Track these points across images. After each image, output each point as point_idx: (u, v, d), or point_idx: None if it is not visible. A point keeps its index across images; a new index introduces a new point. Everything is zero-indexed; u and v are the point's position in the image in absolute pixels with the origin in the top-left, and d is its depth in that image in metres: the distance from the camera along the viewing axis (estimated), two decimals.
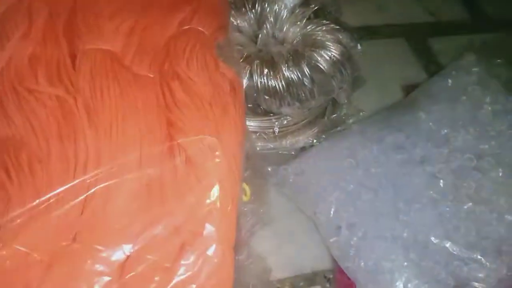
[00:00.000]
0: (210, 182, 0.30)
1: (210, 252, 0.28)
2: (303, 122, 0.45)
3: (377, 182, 0.39)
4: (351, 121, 0.44)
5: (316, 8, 0.45)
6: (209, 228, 0.29)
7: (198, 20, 0.37)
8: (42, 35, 0.34)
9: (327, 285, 0.41)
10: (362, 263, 0.37)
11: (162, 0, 0.39)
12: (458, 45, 0.56)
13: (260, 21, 0.46)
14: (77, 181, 0.28)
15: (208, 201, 0.29)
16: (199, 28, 0.37)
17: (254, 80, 0.41)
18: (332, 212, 0.39)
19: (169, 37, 0.36)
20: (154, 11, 0.38)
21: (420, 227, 0.36)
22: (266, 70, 0.42)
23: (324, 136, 0.44)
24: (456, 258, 0.35)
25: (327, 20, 0.44)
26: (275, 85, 0.42)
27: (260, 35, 0.45)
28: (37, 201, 0.27)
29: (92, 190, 0.28)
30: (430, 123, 0.40)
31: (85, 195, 0.28)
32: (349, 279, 0.40)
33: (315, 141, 0.44)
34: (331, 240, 0.39)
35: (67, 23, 0.35)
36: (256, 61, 0.42)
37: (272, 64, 0.42)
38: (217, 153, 0.30)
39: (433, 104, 0.41)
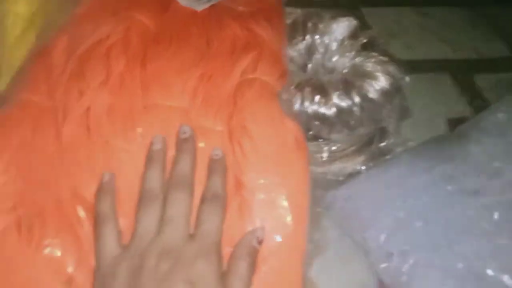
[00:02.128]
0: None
1: None
2: (351, 148, 0.45)
3: (427, 212, 0.39)
4: (398, 150, 0.45)
5: (365, 41, 0.47)
6: None
7: (262, 70, 0.39)
8: (119, 85, 0.36)
9: None
10: None
11: (222, 48, 0.41)
12: (501, 81, 0.57)
13: (310, 51, 0.48)
14: None
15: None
16: (264, 78, 0.38)
17: (305, 107, 0.43)
18: (382, 238, 0.39)
19: (233, 87, 0.38)
20: (215, 61, 0.40)
21: (474, 259, 0.36)
22: (317, 97, 0.43)
23: (371, 164, 0.44)
24: None
25: (375, 52, 0.46)
26: (326, 112, 0.43)
27: (310, 64, 0.47)
28: None
29: None
30: (482, 156, 0.40)
31: None
32: None
33: (363, 168, 0.44)
34: (382, 265, 0.38)
35: (140, 74, 0.37)
36: (308, 88, 0.43)
37: (323, 91, 0.43)
38: (287, 215, 0.32)
39: (484, 137, 0.41)
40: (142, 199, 0.31)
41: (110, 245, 0.30)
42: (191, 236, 0.30)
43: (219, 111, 0.36)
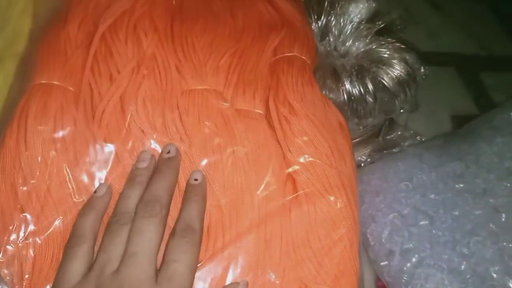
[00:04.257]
0: (340, 239, 0.29)
1: None
2: (358, 139, 0.44)
3: (434, 209, 0.38)
4: (407, 143, 0.43)
5: (382, 25, 0.44)
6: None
7: (299, 48, 0.36)
8: (153, 70, 0.32)
9: None
10: None
11: (249, 25, 0.38)
12: (508, 81, 0.56)
13: (324, 33, 0.45)
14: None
15: (339, 262, 0.29)
16: (302, 57, 0.36)
17: None
18: (385, 235, 0.38)
19: (267, 65, 0.35)
20: (245, 37, 0.37)
21: (479, 260, 0.35)
22: (328, 82, 0.41)
23: (377, 156, 0.43)
24: None
25: (392, 39, 0.44)
26: (336, 98, 0.41)
27: (322, 47, 0.45)
28: None
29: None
30: (492, 155, 0.39)
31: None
32: None
33: (368, 159, 0.43)
34: (382, 263, 0.37)
35: (173, 55, 0.33)
36: (319, 72, 0.41)
37: (334, 76, 0.41)
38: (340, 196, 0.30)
39: (496, 136, 0.40)
40: (111, 223, 0.27)
41: (76, 270, 0.25)
42: (157, 277, 0.25)
43: (258, 90, 0.33)
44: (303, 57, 0.36)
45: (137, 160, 0.30)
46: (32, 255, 0.27)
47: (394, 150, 0.43)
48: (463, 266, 0.35)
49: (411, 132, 0.44)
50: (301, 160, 0.30)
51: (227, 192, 0.29)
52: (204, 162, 0.30)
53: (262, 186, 0.30)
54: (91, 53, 0.32)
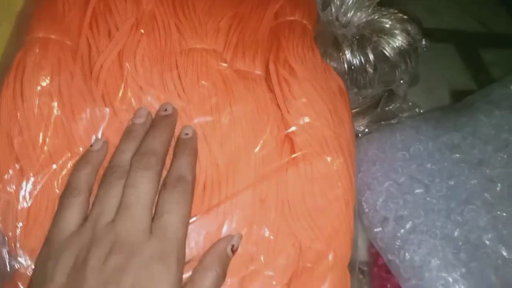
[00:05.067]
0: (336, 198, 0.29)
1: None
2: (356, 110, 0.44)
3: (430, 178, 0.38)
4: (405, 115, 0.43)
5: None
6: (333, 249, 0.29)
7: (301, 13, 0.36)
8: (152, 28, 0.32)
9: (361, 276, 0.40)
10: (408, 257, 0.35)
11: None
12: (508, 57, 0.56)
13: (325, 2, 0.45)
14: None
15: (334, 221, 0.29)
16: (304, 22, 0.35)
17: None
18: (379, 202, 0.38)
19: (268, 29, 0.34)
20: (245, 2, 0.36)
21: (473, 228, 0.35)
22: (329, 51, 0.41)
23: (375, 127, 0.43)
24: (508, 263, 0.34)
25: (393, 9, 0.43)
26: (336, 67, 0.40)
27: (323, 17, 0.44)
28: None
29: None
30: (490, 127, 0.39)
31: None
32: (386, 273, 0.39)
33: (366, 130, 0.43)
34: (376, 230, 0.38)
35: (172, 14, 0.33)
36: (319, 41, 0.41)
37: (335, 45, 0.41)
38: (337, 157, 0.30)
39: (494, 109, 0.40)
40: (106, 175, 0.27)
41: (71, 220, 0.25)
42: (151, 229, 0.25)
43: (258, 53, 0.33)
44: (305, 22, 0.36)
45: (134, 116, 0.29)
46: (27, 205, 0.27)
47: (392, 121, 0.43)
48: (456, 233, 0.36)
49: (410, 104, 0.44)
50: (300, 121, 0.30)
51: (224, 150, 0.29)
52: (202, 119, 0.30)
53: (260, 146, 0.30)
54: (89, 9, 0.32)
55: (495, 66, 0.55)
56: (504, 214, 0.36)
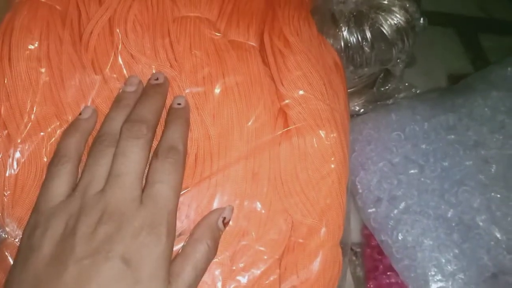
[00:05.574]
0: (329, 174, 0.29)
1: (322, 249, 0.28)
2: (352, 89, 0.43)
3: (424, 158, 0.38)
4: (401, 95, 0.43)
5: None
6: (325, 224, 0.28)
7: None
8: None
9: (354, 258, 0.40)
10: (401, 237, 0.35)
11: None
12: (507, 44, 0.56)
13: None
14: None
15: (326, 196, 0.29)
16: None
17: None
18: (374, 183, 0.38)
19: (266, 1, 0.33)
20: None
21: (466, 209, 0.35)
22: (325, 28, 0.40)
23: (371, 107, 0.42)
24: (501, 245, 0.34)
25: None
26: (332, 45, 0.40)
27: None
28: None
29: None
30: (486, 108, 0.39)
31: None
32: (378, 254, 0.38)
33: (362, 110, 0.42)
34: (369, 210, 0.37)
35: None
36: (316, 16, 0.40)
37: (332, 22, 0.40)
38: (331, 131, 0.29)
39: (491, 91, 0.40)
40: (96, 143, 0.26)
41: (60, 189, 0.25)
42: (141, 199, 0.24)
43: (252, 23, 0.32)
44: None
45: (124, 84, 0.29)
46: (14, 172, 0.26)
47: (388, 101, 0.43)
48: (449, 214, 0.35)
49: (406, 84, 0.44)
50: (294, 94, 0.30)
51: (216, 122, 0.29)
52: (194, 90, 0.29)
53: (253, 118, 0.29)
54: None
55: (493, 52, 0.55)
56: (498, 195, 0.35)
